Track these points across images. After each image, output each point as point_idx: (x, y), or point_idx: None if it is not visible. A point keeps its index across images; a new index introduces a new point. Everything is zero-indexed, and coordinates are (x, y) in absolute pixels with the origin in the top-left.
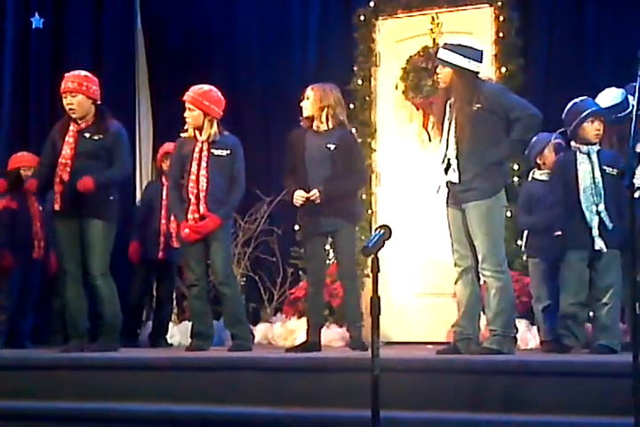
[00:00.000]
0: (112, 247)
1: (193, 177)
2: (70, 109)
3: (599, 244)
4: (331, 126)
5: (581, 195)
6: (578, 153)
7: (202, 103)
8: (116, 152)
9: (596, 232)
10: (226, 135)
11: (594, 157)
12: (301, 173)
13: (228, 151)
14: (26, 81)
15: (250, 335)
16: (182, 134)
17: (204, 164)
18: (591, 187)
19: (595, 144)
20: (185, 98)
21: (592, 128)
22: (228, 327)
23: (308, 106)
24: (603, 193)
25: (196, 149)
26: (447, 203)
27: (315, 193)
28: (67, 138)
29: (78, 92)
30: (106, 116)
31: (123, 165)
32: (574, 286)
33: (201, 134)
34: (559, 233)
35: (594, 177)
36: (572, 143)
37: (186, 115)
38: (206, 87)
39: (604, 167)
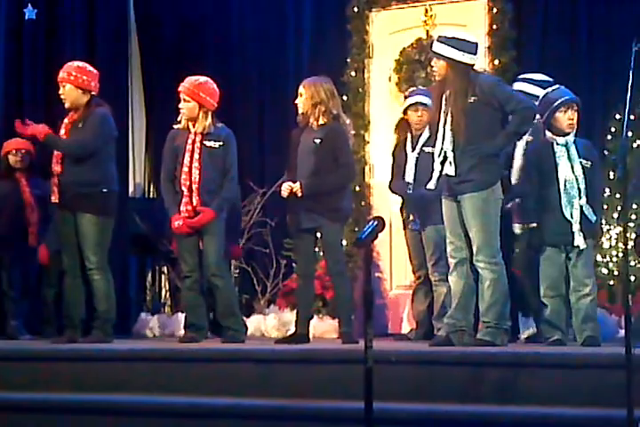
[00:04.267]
0: (109, 240)
1: (186, 169)
2: (63, 99)
3: (579, 241)
4: (323, 122)
5: (561, 189)
6: (555, 145)
7: (197, 95)
8: (85, 132)
9: (576, 227)
10: (219, 127)
11: (572, 149)
12: (294, 169)
13: (221, 143)
14: (19, 72)
15: (243, 327)
16: (175, 126)
17: (196, 155)
18: (571, 180)
19: (569, 134)
20: (180, 89)
21: (565, 118)
22: (221, 319)
23: (301, 103)
24: (584, 186)
25: (189, 141)
26: (443, 195)
27: (296, 186)
28: (61, 130)
29: (66, 81)
30: (95, 104)
31: (80, 141)
32: (555, 280)
33: (194, 126)
34: (535, 225)
35: (573, 170)
36: (548, 134)
37: (181, 106)
38: (202, 79)
39: (581, 160)
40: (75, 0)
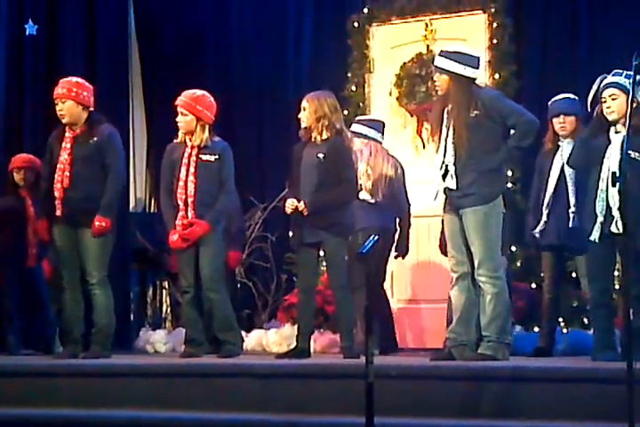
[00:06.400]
0: (109, 255)
1: (181, 183)
2: (61, 115)
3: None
4: (326, 137)
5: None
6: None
7: (194, 108)
8: (109, 158)
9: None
10: (215, 140)
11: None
12: (297, 184)
13: (217, 156)
14: (20, 88)
15: (239, 341)
16: (175, 140)
17: (192, 169)
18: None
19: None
20: (177, 102)
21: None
22: (218, 333)
23: (304, 118)
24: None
25: (185, 155)
26: (444, 209)
27: (301, 205)
28: (63, 144)
29: (67, 97)
30: (97, 120)
31: (117, 174)
32: None
33: (192, 139)
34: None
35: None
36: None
37: (178, 119)
38: (199, 92)
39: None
40: (75, 15)
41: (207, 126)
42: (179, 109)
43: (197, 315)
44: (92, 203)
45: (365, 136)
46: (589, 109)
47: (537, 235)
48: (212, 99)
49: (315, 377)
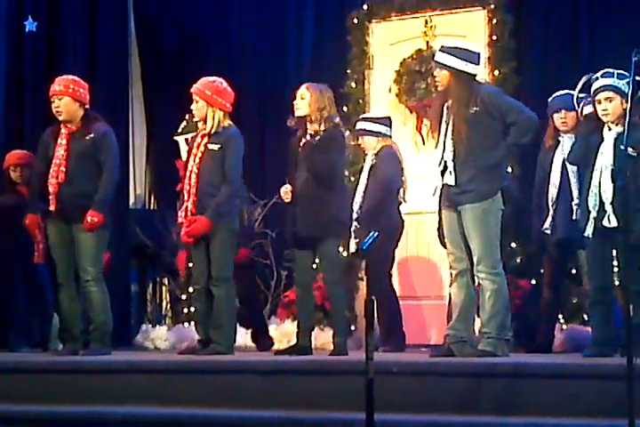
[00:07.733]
0: (104, 252)
1: (188, 173)
2: (57, 112)
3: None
4: (324, 128)
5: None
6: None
7: (204, 93)
8: (104, 155)
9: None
10: (225, 128)
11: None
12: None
13: (220, 145)
14: (20, 84)
15: (227, 340)
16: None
17: (197, 159)
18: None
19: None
20: (192, 90)
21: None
22: (210, 329)
23: (303, 106)
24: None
25: (195, 144)
26: (443, 205)
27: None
28: (59, 140)
29: (64, 94)
30: (93, 117)
31: (111, 172)
32: None
33: (205, 128)
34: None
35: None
36: None
37: (192, 107)
38: (212, 78)
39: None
40: (75, 13)
41: (220, 113)
42: (193, 97)
43: (205, 310)
44: (86, 199)
45: (384, 135)
46: (575, 107)
47: (547, 231)
48: (226, 85)
49: (315, 373)
